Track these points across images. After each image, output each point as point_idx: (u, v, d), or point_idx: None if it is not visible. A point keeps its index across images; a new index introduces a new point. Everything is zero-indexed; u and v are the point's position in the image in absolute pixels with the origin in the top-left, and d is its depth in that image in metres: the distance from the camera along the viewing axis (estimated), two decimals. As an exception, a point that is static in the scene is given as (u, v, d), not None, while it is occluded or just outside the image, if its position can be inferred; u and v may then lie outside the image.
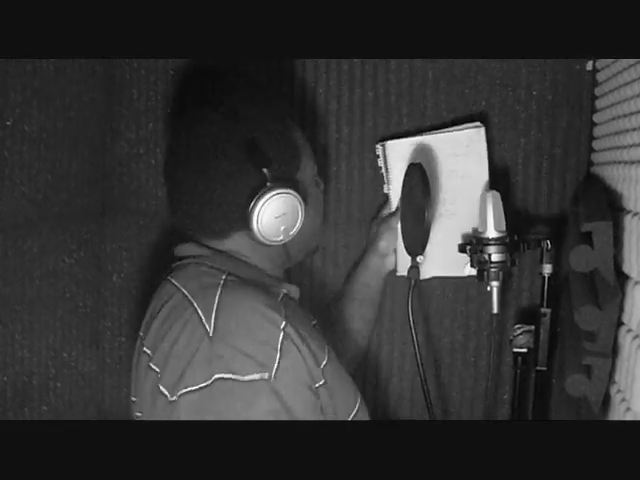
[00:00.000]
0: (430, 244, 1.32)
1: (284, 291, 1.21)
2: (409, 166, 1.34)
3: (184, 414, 1.05)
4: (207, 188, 1.19)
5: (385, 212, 1.52)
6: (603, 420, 1.05)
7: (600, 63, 1.39)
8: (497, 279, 1.27)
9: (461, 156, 1.44)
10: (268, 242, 1.21)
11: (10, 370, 1.38)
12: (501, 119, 1.48)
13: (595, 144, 1.43)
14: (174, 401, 1.06)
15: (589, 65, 1.44)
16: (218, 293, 1.11)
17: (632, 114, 1.11)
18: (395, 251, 1.48)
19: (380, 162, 1.51)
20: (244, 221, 1.19)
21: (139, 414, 1.19)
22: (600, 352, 1.03)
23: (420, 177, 1.27)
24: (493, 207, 1.27)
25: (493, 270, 1.27)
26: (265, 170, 1.18)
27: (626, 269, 1.03)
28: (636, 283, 0.98)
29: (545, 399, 1.41)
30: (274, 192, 1.18)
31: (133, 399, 1.23)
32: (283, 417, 1.04)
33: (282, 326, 1.08)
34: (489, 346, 1.37)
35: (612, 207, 1.13)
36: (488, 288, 1.28)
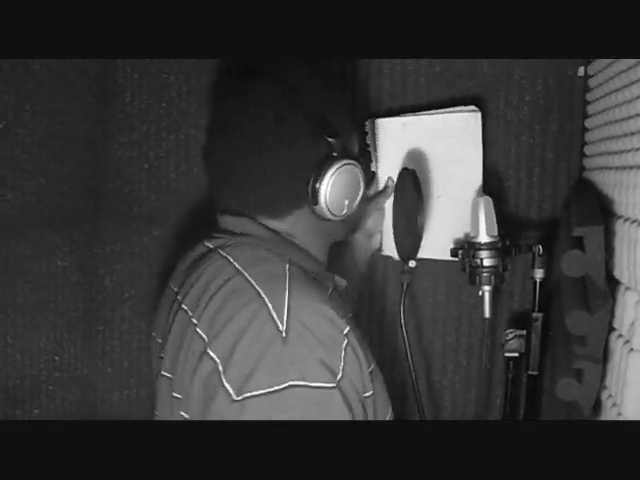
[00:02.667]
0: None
1: (333, 283, 1.19)
2: (402, 171, 1.34)
3: (252, 417, 0.99)
4: (270, 163, 1.14)
5: (372, 191, 1.48)
6: (593, 420, 1.06)
7: (592, 68, 1.40)
8: (489, 283, 1.27)
9: (455, 139, 1.42)
10: (333, 217, 1.17)
11: (2, 373, 1.38)
12: (493, 124, 1.48)
13: (587, 149, 1.43)
14: (240, 401, 0.99)
15: (581, 71, 1.45)
16: (287, 288, 1.05)
17: (623, 120, 1.11)
18: (382, 231, 1.47)
19: (368, 139, 1.48)
20: (308, 196, 1.14)
21: (177, 395, 1.11)
22: (591, 357, 1.03)
23: (413, 183, 1.27)
24: (485, 212, 1.27)
25: (485, 275, 1.27)
26: (332, 140, 1.14)
27: (617, 274, 1.03)
28: (627, 288, 0.99)
29: (536, 403, 1.42)
30: (341, 163, 1.14)
31: (165, 374, 1.16)
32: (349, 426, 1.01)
33: (345, 332, 1.04)
34: (481, 350, 1.37)
35: (604, 212, 1.13)
36: (480, 292, 1.29)
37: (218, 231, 1.20)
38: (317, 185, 1.14)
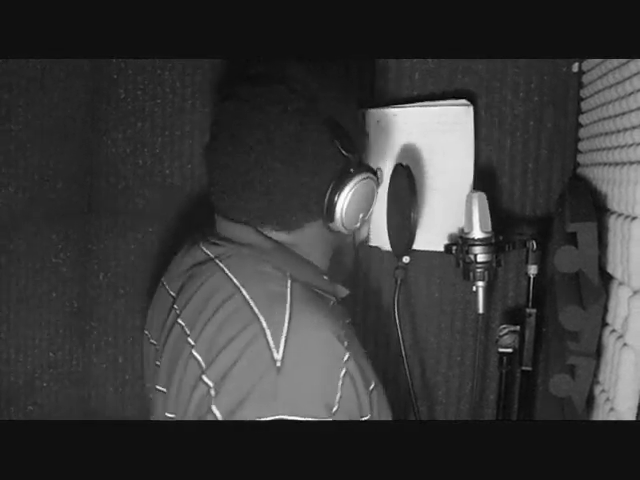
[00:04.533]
0: None
1: (334, 294, 1.16)
2: (396, 167, 1.34)
3: None
4: (285, 178, 1.09)
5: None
6: (587, 420, 1.06)
7: (586, 65, 1.40)
8: (483, 279, 1.28)
9: (447, 132, 1.42)
10: (346, 231, 1.16)
11: (-4, 369, 1.38)
12: (487, 120, 1.48)
13: (581, 145, 1.43)
14: None
15: (575, 67, 1.45)
16: (287, 312, 1.01)
17: (617, 116, 1.11)
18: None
19: None
20: (323, 212, 1.12)
21: (171, 415, 1.10)
22: (584, 352, 1.04)
23: (407, 178, 1.27)
24: (479, 208, 1.27)
25: (479, 270, 1.27)
26: (350, 155, 1.10)
27: (610, 270, 1.04)
28: (620, 284, 0.99)
29: (530, 399, 1.42)
30: (359, 178, 1.12)
31: (160, 389, 1.14)
32: None
33: (345, 359, 1.01)
34: (474, 346, 1.38)
35: (597, 208, 1.14)
36: (474, 288, 1.29)
37: (217, 236, 1.17)
38: (334, 201, 1.11)
